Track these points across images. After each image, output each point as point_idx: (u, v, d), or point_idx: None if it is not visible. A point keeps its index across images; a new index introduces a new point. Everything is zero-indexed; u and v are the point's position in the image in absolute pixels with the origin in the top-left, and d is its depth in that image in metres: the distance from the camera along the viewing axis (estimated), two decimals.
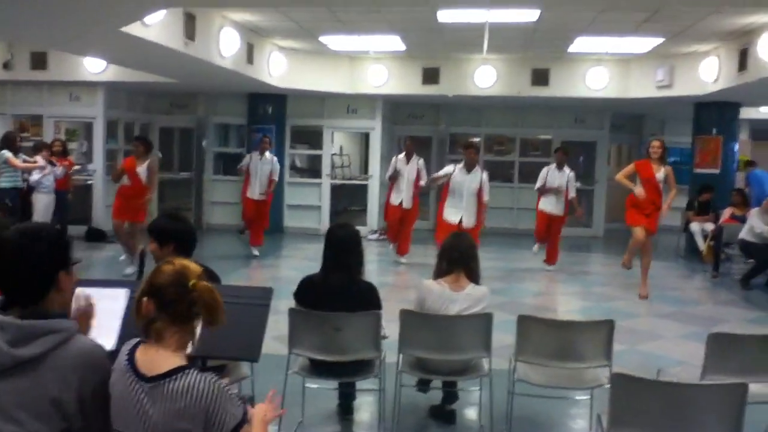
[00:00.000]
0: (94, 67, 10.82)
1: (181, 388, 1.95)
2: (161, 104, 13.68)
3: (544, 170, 9.87)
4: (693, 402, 2.86)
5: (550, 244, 9.99)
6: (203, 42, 8.39)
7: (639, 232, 7.93)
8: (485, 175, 8.26)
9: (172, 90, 12.65)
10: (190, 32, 7.96)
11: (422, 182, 10.00)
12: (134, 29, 6.81)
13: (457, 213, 8.08)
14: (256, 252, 10.48)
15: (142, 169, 8.69)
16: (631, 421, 2.89)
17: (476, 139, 12.52)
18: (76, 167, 10.79)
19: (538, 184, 9.80)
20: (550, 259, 9.99)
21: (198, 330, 2.10)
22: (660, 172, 7.85)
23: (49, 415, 1.94)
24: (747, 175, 12.19)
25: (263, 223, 10.56)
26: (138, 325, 2.08)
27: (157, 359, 2.01)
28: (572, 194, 9.74)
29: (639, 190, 7.83)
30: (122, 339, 2.96)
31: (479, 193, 8.17)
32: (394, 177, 10.03)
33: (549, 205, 9.73)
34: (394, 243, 10.36)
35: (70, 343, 2.00)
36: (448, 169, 8.36)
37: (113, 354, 2.68)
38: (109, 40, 7.40)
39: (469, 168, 8.17)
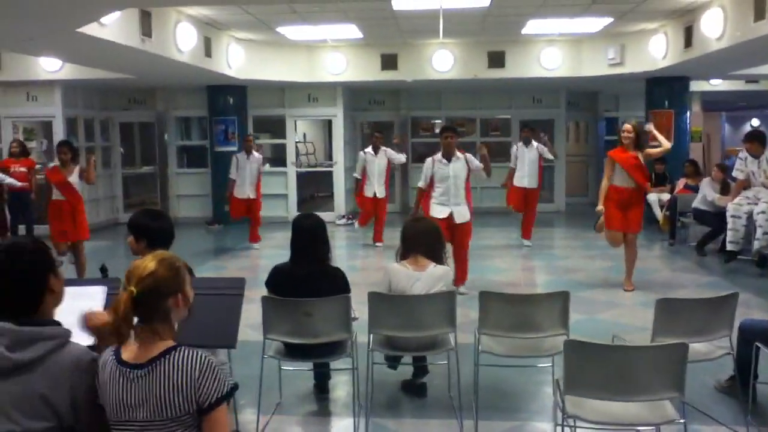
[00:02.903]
0: (50, 66, 10.73)
1: (175, 364, 2.08)
2: (120, 100, 13.61)
3: (514, 148, 10.42)
4: (638, 363, 3.09)
5: (526, 218, 10.38)
6: (160, 38, 8.42)
7: (616, 237, 7.16)
8: (468, 157, 7.09)
9: (130, 85, 12.59)
10: (146, 29, 8.00)
11: (394, 161, 10.49)
12: (90, 29, 6.84)
13: (444, 209, 6.98)
14: (256, 246, 10.46)
15: (74, 178, 7.68)
16: (584, 384, 3.13)
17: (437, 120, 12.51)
18: (37, 166, 10.71)
19: (512, 163, 10.28)
20: (527, 235, 10.37)
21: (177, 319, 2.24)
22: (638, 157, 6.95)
23: (39, 413, 2.05)
24: None
25: (256, 220, 10.43)
26: (118, 328, 2.12)
27: (146, 349, 2.12)
28: (549, 156, 10.33)
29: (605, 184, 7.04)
30: None
31: (467, 181, 7.09)
32: (364, 172, 10.37)
33: (523, 180, 10.19)
34: (363, 227, 10.65)
35: (64, 349, 2.14)
36: (426, 167, 7.11)
37: (92, 348, 2.81)
38: (66, 41, 7.41)
39: (448, 156, 6.96)
